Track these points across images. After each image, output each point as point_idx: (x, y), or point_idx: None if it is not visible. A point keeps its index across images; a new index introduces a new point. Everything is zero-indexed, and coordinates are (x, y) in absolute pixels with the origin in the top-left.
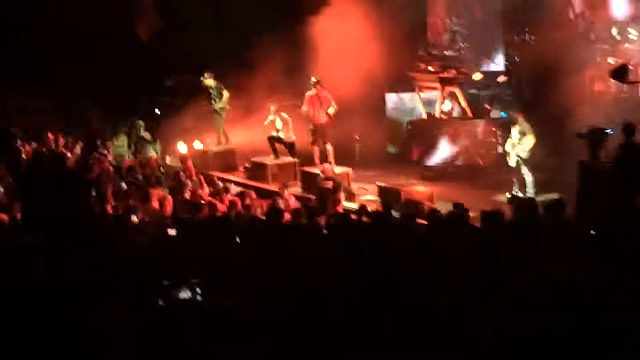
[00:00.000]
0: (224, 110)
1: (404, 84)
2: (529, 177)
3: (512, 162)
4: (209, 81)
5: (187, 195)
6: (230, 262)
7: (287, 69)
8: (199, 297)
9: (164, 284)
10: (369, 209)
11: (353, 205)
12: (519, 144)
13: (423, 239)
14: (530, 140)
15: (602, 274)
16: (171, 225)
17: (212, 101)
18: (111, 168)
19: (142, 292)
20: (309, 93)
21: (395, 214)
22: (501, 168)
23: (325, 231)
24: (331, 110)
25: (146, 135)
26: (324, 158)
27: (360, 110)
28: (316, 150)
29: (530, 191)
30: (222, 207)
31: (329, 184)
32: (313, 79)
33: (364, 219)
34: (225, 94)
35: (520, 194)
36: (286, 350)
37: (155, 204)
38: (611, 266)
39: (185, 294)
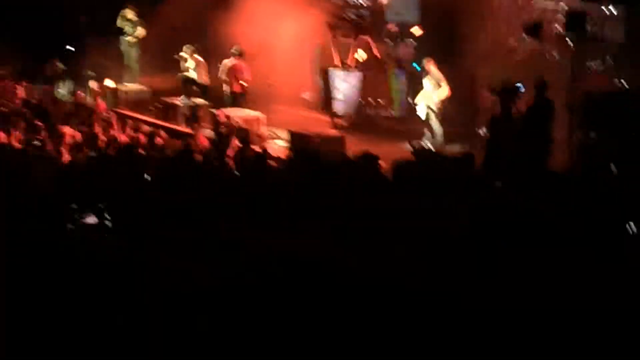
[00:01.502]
0: (134, 46)
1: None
2: (438, 128)
3: (421, 113)
4: (128, 12)
5: (98, 132)
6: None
7: (202, 14)
8: (107, 222)
9: (72, 207)
10: (279, 154)
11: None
12: (433, 93)
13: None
14: (444, 91)
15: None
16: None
17: (123, 35)
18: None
19: (51, 217)
20: (227, 62)
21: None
22: (413, 118)
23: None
24: (244, 83)
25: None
26: None
27: (279, 57)
28: None
29: (438, 143)
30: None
31: (224, 129)
32: (234, 50)
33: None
34: (141, 30)
35: (429, 145)
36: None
37: (65, 139)
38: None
39: (92, 219)
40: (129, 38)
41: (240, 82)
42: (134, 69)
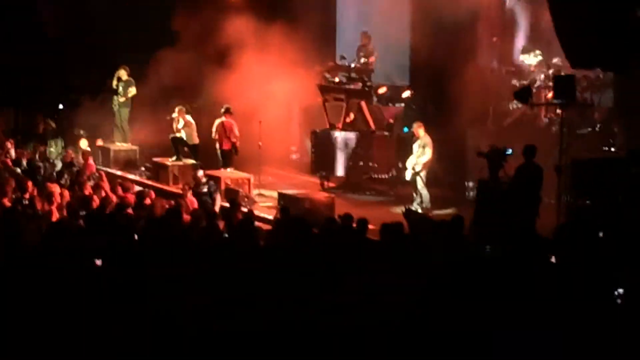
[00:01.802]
0: (126, 105)
1: (312, 95)
2: (424, 191)
3: (408, 176)
4: (122, 73)
5: (87, 191)
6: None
7: (194, 74)
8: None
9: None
10: (268, 215)
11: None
12: (416, 158)
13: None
14: (427, 154)
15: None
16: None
17: (116, 95)
18: (9, 162)
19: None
20: (218, 120)
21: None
22: (403, 182)
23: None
24: (234, 139)
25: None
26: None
27: (269, 119)
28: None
29: (426, 206)
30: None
31: (204, 190)
32: (223, 108)
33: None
34: (133, 90)
35: (418, 209)
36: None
37: (54, 198)
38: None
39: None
40: (121, 98)
41: (231, 139)
42: (125, 129)
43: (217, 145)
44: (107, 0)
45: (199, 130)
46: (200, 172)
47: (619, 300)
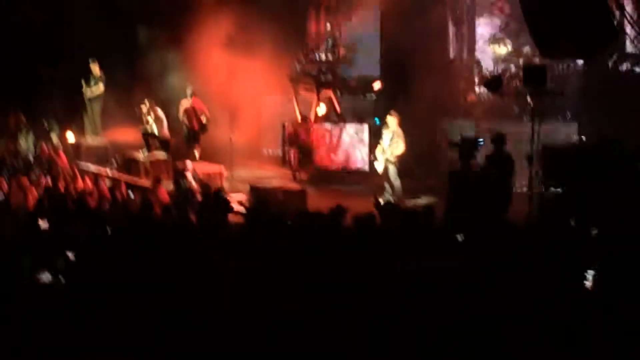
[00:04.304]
0: (96, 100)
1: (283, 87)
2: (397, 182)
3: (379, 167)
4: (94, 67)
5: (61, 186)
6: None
7: (164, 68)
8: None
9: (26, 266)
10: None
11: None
12: (389, 148)
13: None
14: (399, 147)
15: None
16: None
17: (86, 88)
18: None
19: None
20: (184, 102)
21: None
22: (374, 173)
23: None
24: (204, 119)
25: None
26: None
27: (240, 112)
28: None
29: (398, 196)
30: (93, 199)
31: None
32: (189, 91)
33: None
34: (100, 87)
35: (390, 199)
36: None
37: (22, 193)
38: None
39: (46, 277)
40: (89, 93)
41: (200, 118)
42: (97, 123)
43: (185, 127)
44: None
45: (169, 122)
46: (189, 162)
47: (588, 285)
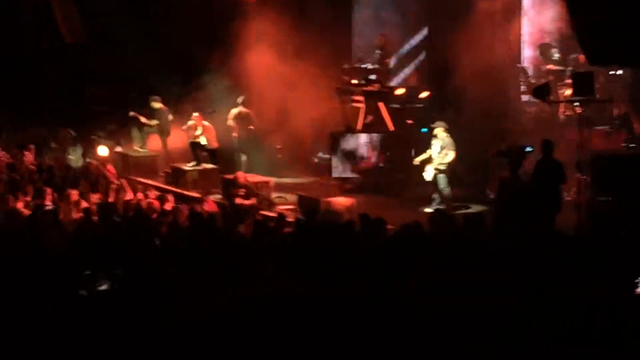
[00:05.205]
0: (161, 132)
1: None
2: (446, 191)
3: (429, 176)
4: (156, 105)
5: (111, 198)
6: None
7: (215, 83)
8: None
9: (86, 274)
10: (288, 218)
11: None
12: (439, 158)
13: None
14: (450, 155)
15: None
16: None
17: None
18: (33, 168)
19: (66, 284)
20: (234, 110)
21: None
22: (422, 182)
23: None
24: (252, 127)
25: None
26: (248, 169)
27: (288, 121)
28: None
29: (447, 206)
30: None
31: (242, 192)
32: (239, 99)
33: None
34: (154, 121)
35: (440, 208)
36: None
37: (72, 205)
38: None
39: (105, 285)
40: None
41: (249, 127)
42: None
43: (234, 133)
44: (124, 9)
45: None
46: (241, 174)
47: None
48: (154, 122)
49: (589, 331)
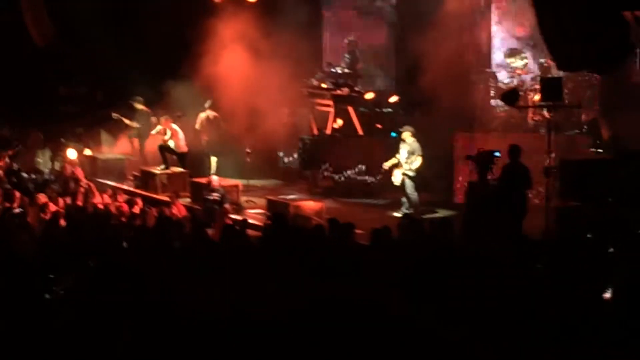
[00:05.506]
0: (139, 135)
1: (300, 101)
2: (413, 195)
3: (397, 180)
4: (139, 106)
5: (79, 201)
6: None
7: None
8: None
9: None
10: (257, 222)
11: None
12: (406, 163)
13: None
14: (418, 160)
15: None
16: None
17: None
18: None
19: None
20: (202, 114)
21: None
22: (390, 186)
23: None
24: (221, 130)
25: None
26: (217, 172)
27: (257, 124)
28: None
29: (415, 210)
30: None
31: (215, 196)
32: (206, 104)
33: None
34: (134, 123)
35: (408, 213)
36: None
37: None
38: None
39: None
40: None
41: (220, 127)
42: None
43: (203, 138)
44: (94, 12)
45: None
46: (215, 178)
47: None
48: (136, 124)
49: (555, 335)
